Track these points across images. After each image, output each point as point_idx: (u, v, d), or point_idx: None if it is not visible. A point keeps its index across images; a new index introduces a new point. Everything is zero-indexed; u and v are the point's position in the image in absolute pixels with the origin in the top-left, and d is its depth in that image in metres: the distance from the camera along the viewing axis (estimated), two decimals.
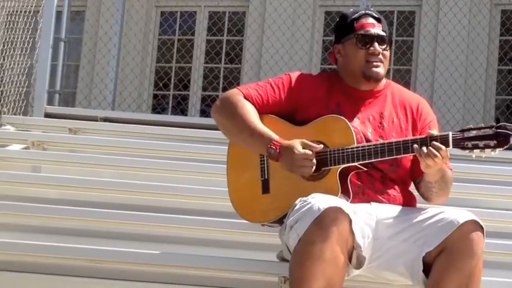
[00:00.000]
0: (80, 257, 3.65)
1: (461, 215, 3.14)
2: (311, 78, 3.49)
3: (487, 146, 3.15)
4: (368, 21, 3.41)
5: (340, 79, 3.47)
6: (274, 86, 3.43)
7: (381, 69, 3.40)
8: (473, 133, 3.16)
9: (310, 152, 3.22)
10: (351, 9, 3.51)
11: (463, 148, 3.17)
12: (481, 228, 3.14)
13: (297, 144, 3.24)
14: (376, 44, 3.38)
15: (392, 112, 3.43)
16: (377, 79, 3.41)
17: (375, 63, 3.38)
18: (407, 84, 10.03)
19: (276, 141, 3.26)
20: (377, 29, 3.40)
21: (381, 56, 3.39)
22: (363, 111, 3.40)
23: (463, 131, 3.18)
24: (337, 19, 3.52)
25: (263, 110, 3.40)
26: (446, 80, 9.89)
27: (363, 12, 3.44)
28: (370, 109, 3.41)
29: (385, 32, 3.42)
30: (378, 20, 3.43)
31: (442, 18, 10.20)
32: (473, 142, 3.15)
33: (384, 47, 3.40)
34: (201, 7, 11.13)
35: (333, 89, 3.43)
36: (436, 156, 3.13)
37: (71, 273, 3.68)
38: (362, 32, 3.39)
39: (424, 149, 3.14)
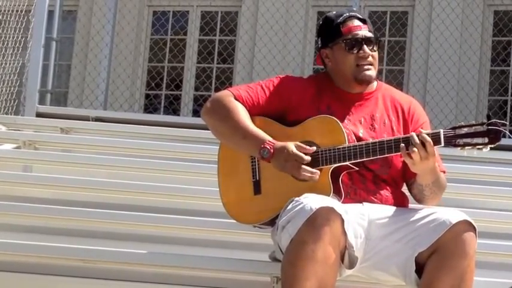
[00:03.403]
0: (71, 257, 3.63)
1: (453, 216, 3.14)
2: (301, 81, 3.48)
3: (478, 143, 3.14)
4: (354, 23, 3.38)
5: (330, 81, 3.45)
6: (265, 87, 3.42)
7: (372, 72, 3.39)
8: (465, 130, 3.15)
9: (305, 157, 3.20)
10: (334, 12, 3.47)
11: (455, 145, 3.16)
12: (473, 229, 3.13)
13: (291, 146, 3.23)
14: (365, 47, 3.36)
15: (383, 114, 3.42)
16: (369, 82, 3.40)
17: (365, 67, 3.37)
18: (400, 85, 10.05)
19: (270, 142, 3.25)
20: (364, 31, 3.37)
21: (370, 58, 3.38)
22: (354, 113, 3.39)
23: (454, 128, 3.18)
24: (320, 22, 3.48)
25: (254, 112, 3.38)
26: (439, 81, 9.90)
27: (347, 14, 3.40)
28: (362, 111, 3.40)
29: (371, 32, 3.40)
30: (363, 21, 3.40)
31: (435, 19, 10.21)
32: (464, 139, 3.15)
33: (371, 47, 3.38)
34: (193, 7, 11.12)
35: (323, 91, 3.42)
36: (421, 148, 3.12)
37: (63, 273, 3.67)
38: (350, 36, 3.36)
39: (411, 143, 3.13)
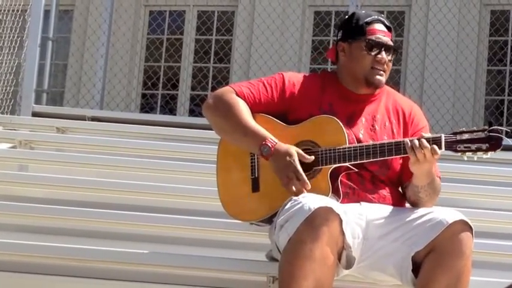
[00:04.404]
0: (66, 256, 3.63)
1: (450, 215, 3.14)
2: (304, 78, 3.47)
3: (479, 149, 3.15)
4: (380, 28, 3.40)
5: (335, 80, 3.45)
6: (267, 85, 3.41)
7: (383, 78, 3.40)
8: (466, 136, 3.16)
9: (303, 176, 3.19)
10: (363, 11, 3.49)
11: (455, 151, 3.17)
12: (470, 228, 3.13)
13: (294, 153, 3.22)
14: (383, 53, 3.38)
15: (384, 116, 3.42)
16: (378, 87, 3.41)
17: (379, 72, 3.38)
18: (396, 85, 10.05)
19: (272, 140, 3.25)
20: (387, 38, 3.40)
21: (385, 65, 3.39)
22: (355, 113, 3.39)
23: (455, 133, 3.18)
24: (346, 17, 3.50)
25: (255, 109, 3.38)
26: (436, 80, 9.90)
27: (376, 17, 3.42)
28: (363, 111, 3.40)
29: (392, 42, 3.42)
30: (389, 28, 3.43)
31: (432, 19, 10.22)
32: (465, 145, 3.15)
33: (390, 57, 3.40)
34: (189, 6, 11.11)
35: (327, 89, 3.42)
36: (426, 148, 3.12)
37: (58, 272, 3.66)
38: (373, 37, 3.37)
39: (416, 142, 3.14)
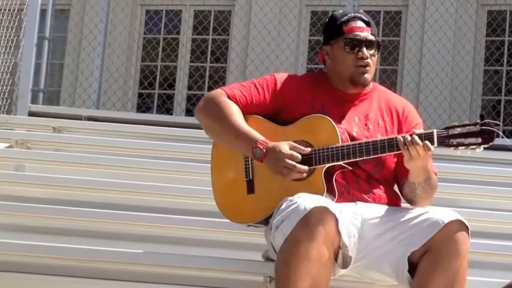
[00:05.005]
0: (64, 256, 3.62)
1: (446, 215, 3.14)
2: (296, 79, 3.47)
3: (471, 143, 3.14)
4: (357, 24, 3.38)
5: (326, 80, 3.45)
6: (259, 86, 3.41)
7: (368, 75, 3.39)
8: (458, 130, 3.15)
9: (297, 154, 3.20)
10: (341, 11, 3.47)
11: (448, 145, 3.16)
12: (466, 228, 3.13)
13: (283, 145, 3.22)
14: (364, 49, 3.35)
15: (378, 115, 3.42)
16: (364, 85, 3.40)
17: (363, 69, 3.36)
18: (393, 85, 10.06)
19: (262, 141, 3.25)
20: (366, 33, 3.37)
21: (368, 61, 3.37)
22: (348, 113, 3.39)
23: (447, 128, 3.18)
24: (326, 19, 3.49)
25: (247, 111, 3.38)
26: (433, 80, 9.91)
27: (352, 15, 3.41)
28: (356, 111, 3.40)
29: (373, 35, 3.40)
30: (367, 23, 3.40)
31: (429, 19, 10.22)
32: (458, 139, 3.14)
33: (372, 51, 3.38)
34: (186, 6, 11.11)
35: (318, 90, 3.42)
36: (418, 144, 3.12)
37: (56, 272, 3.65)
38: (351, 36, 3.36)
39: (408, 138, 3.14)
